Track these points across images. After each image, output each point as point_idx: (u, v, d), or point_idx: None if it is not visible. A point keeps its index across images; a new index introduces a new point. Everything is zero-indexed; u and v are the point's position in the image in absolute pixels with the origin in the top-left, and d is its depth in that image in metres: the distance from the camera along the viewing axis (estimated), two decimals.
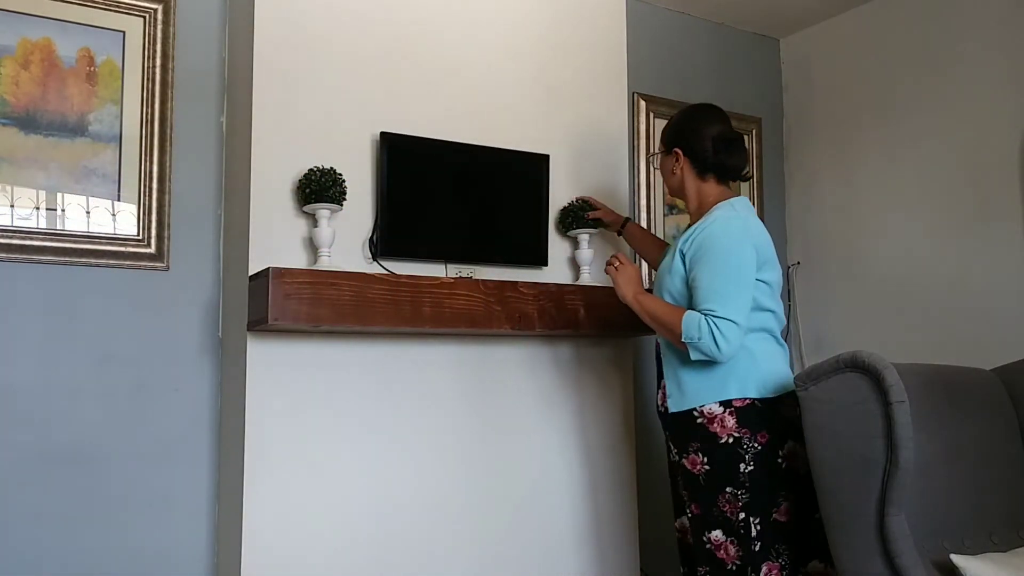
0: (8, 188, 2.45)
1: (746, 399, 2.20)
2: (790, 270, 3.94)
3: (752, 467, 2.19)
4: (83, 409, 2.50)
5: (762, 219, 3.81)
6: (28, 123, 2.49)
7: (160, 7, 2.66)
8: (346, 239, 2.53)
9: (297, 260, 2.48)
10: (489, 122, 2.80)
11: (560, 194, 2.89)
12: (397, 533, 2.56)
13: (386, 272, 2.48)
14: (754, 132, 3.91)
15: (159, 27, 2.66)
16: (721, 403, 2.21)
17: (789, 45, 4.04)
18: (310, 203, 2.43)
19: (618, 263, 2.39)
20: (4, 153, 2.46)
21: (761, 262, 2.24)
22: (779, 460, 2.22)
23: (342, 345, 2.53)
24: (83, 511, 2.48)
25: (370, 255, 2.58)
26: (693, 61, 3.79)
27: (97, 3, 2.59)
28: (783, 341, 2.34)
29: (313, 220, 2.46)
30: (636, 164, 3.54)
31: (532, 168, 2.82)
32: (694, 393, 2.24)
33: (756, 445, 2.19)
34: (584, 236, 2.87)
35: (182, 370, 2.64)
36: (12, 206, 2.45)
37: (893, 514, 2.10)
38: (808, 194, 3.93)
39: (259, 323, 2.31)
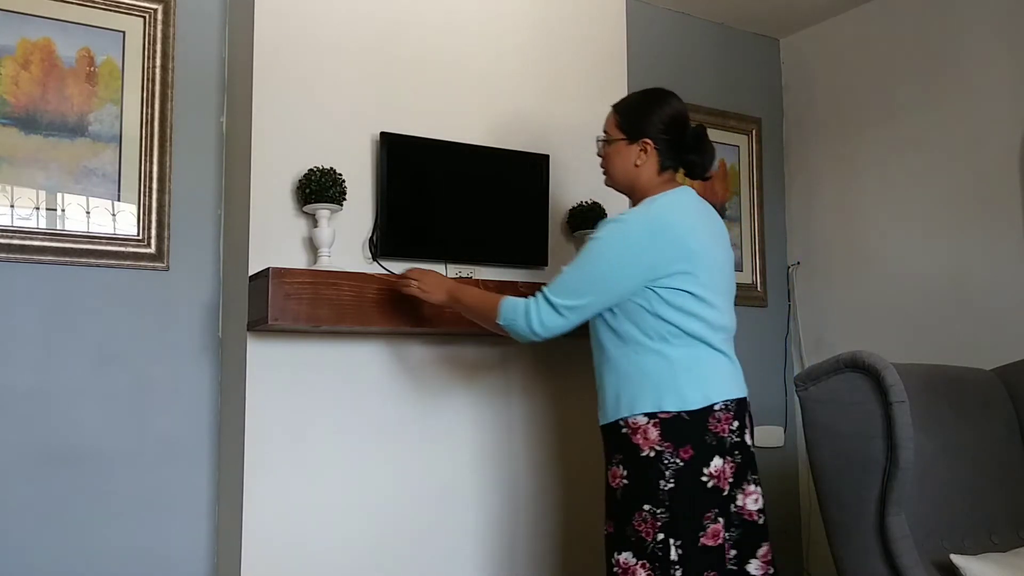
0: (8, 188, 2.45)
1: (671, 411, 2.00)
2: (790, 270, 3.94)
3: (672, 484, 1.98)
4: (83, 409, 2.50)
5: (761, 220, 3.87)
6: (28, 123, 2.49)
7: (160, 7, 2.66)
8: (346, 239, 2.53)
9: (297, 260, 2.48)
10: (489, 122, 2.80)
11: (560, 194, 2.89)
12: (398, 533, 2.56)
13: (386, 272, 2.48)
14: (754, 132, 3.91)
15: (159, 27, 2.66)
16: (647, 414, 2.02)
17: (789, 45, 4.04)
18: (310, 203, 2.43)
19: (411, 279, 2.30)
20: (4, 153, 2.46)
21: (688, 266, 2.03)
22: (703, 479, 1.99)
23: (342, 345, 2.53)
24: (83, 511, 2.48)
25: (370, 255, 2.58)
26: (693, 61, 3.79)
27: (97, 3, 2.59)
28: (725, 350, 2.11)
29: (313, 220, 2.47)
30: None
31: (532, 168, 2.82)
32: (612, 406, 2.09)
33: (678, 461, 1.99)
34: None
35: (182, 370, 2.63)
36: (12, 206, 2.45)
37: (893, 514, 2.10)
38: (808, 194, 3.93)
39: (259, 323, 2.31)
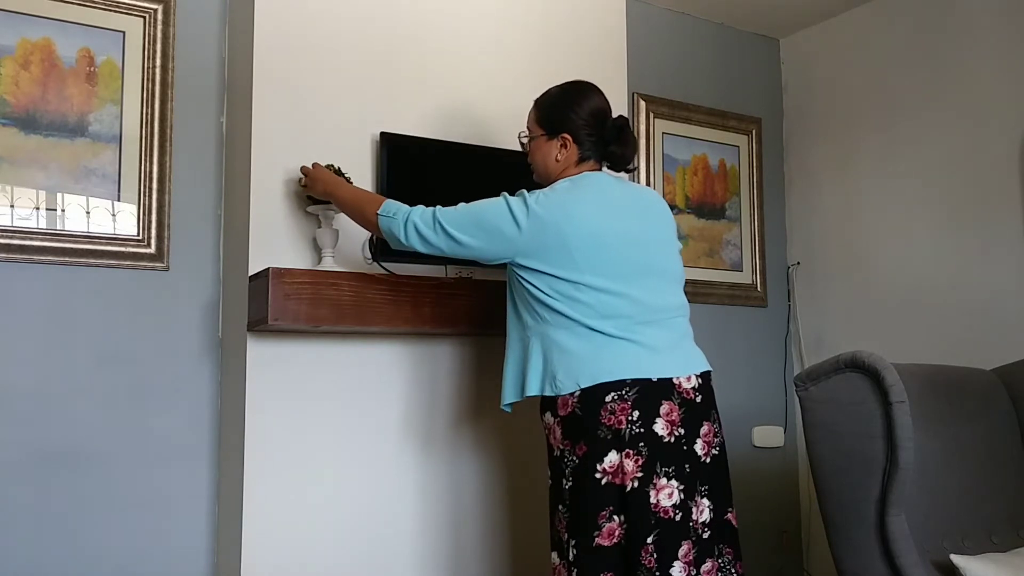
0: (8, 188, 2.45)
1: (568, 408, 1.99)
2: (790, 270, 3.94)
3: (571, 483, 2.00)
4: (83, 409, 2.50)
5: (761, 220, 3.87)
6: (28, 123, 2.49)
7: (160, 7, 2.66)
8: (346, 240, 2.53)
9: (297, 260, 2.48)
10: (489, 122, 2.80)
11: None
12: (398, 534, 2.56)
13: (386, 272, 2.49)
14: (754, 132, 3.91)
15: (159, 27, 2.66)
16: (552, 412, 2.04)
17: (789, 45, 4.04)
18: (313, 204, 2.43)
19: (305, 179, 2.37)
20: (4, 153, 2.46)
21: (568, 252, 2.02)
22: (597, 475, 1.95)
23: (342, 345, 2.53)
24: (82, 512, 2.48)
25: (370, 255, 2.58)
26: (693, 61, 3.79)
27: (97, 3, 2.59)
28: (626, 335, 2.01)
29: (316, 220, 2.47)
30: (636, 164, 3.53)
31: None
32: (504, 389, 2.14)
33: (574, 459, 2.00)
34: None
35: (182, 370, 2.63)
36: (12, 206, 2.45)
37: (893, 514, 2.10)
38: (808, 194, 3.93)
39: (259, 323, 2.31)
